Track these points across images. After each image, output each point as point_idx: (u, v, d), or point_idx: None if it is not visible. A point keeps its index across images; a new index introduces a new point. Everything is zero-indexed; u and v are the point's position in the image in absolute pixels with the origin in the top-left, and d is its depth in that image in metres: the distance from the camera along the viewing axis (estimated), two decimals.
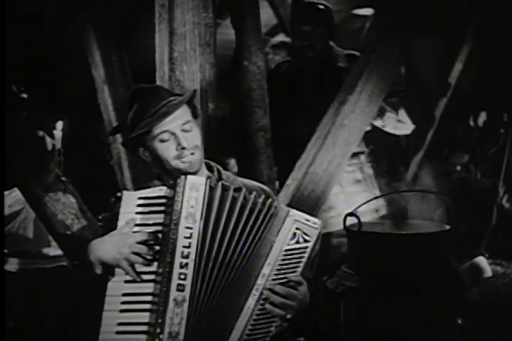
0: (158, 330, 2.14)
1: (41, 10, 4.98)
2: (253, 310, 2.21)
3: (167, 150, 2.40)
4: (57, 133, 5.46)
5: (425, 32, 4.37)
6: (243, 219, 2.25)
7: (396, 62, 3.90)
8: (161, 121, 2.36)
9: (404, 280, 3.11)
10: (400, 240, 3.18)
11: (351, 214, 3.21)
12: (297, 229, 2.25)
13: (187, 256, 2.18)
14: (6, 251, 4.26)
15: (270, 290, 2.22)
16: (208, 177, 2.48)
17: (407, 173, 6.05)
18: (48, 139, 5.65)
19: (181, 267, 2.17)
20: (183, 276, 2.17)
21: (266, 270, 2.22)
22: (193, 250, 2.19)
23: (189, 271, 2.18)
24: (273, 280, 2.23)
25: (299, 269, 2.26)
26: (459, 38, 6.32)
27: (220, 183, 2.30)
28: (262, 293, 2.22)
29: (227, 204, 2.25)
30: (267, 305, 2.22)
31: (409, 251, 3.13)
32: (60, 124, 5.49)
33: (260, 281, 2.22)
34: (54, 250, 4.15)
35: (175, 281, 2.17)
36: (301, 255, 2.25)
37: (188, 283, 2.17)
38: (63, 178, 3.10)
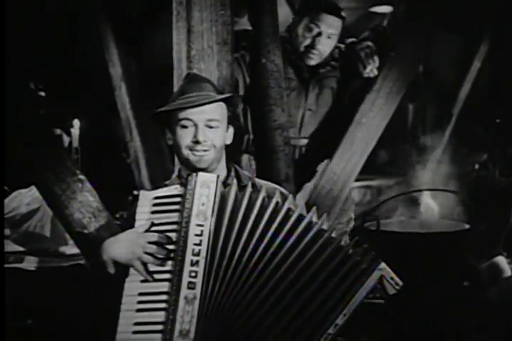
0: (169, 328, 2.13)
1: (60, 9, 4.99)
2: None
3: (183, 138, 2.42)
4: (75, 131, 5.47)
5: (444, 30, 4.34)
6: (264, 220, 2.22)
7: (415, 60, 3.87)
8: (185, 106, 2.38)
9: (423, 280, 3.09)
10: (419, 239, 3.16)
11: (369, 213, 3.19)
12: (380, 284, 2.19)
13: (198, 254, 2.17)
14: (23, 249, 4.27)
15: None
16: (228, 176, 2.49)
17: (424, 172, 6.02)
18: (65, 137, 5.67)
19: (192, 265, 2.16)
20: (193, 274, 2.16)
21: (340, 320, 2.15)
22: (203, 248, 2.18)
23: (200, 269, 2.16)
24: (339, 329, 2.16)
25: (366, 324, 2.24)
26: (477, 37, 6.28)
27: (234, 181, 2.30)
28: None
29: (244, 203, 2.24)
30: None
31: (428, 250, 3.11)
32: (77, 122, 5.51)
33: (331, 331, 2.15)
34: (71, 248, 4.15)
35: (185, 279, 2.15)
36: (372, 310, 2.23)
37: (198, 280, 2.16)
38: (80, 176, 3.08)
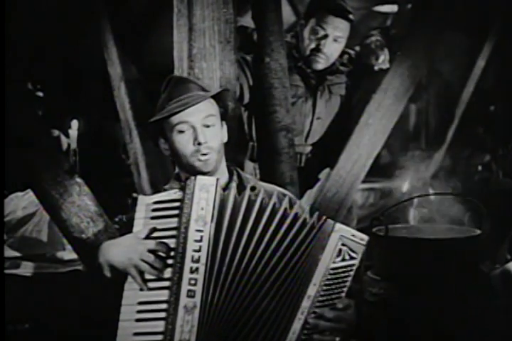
0: (168, 338, 2.08)
1: (58, 8, 4.94)
2: (299, 335, 2.11)
3: (184, 144, 2.36)
4: (73, 132, 5.39)
5: (447, 29, 4.28)
6: (262, 223, 2.16)
7: (422, 60, 3.80)
8: (179, 109, 2.33)
9: (433, 287, 3.02)
10: (429, 245, 3.10)
11: (377, 218, 3.12)
12: (343, 245, 2.12)
13: (197, 261, 2.12)
14: (19, 254, 4.21)
15: (318, 314, 2.12)
16: (230, 180, 2.45)
17: (426, 173, 5.98)
18: (64, 138, 5.60)
19: (191, 272, 2.11)
20: (193, 282, 2.10)
21: (311, 291, 2.11)
22: (203, 254, 2.12)
23: (200, 276, 2.11)
24: (318, 301, 2.12)
25: (345, 289, 2.14)
26: (480, 36, 6.24)
27: (234, 184, 2.25)
28: (307, 317, 2.11)
29: (243, 206, 2.18)
30: (316, 336, 2.13)
31: (438, 256, 3.05)
32: (75, 123, 5.43)
33: (306, 303, 2.10)
34: (69, 254, 4.13)
35: (185, 287, 2.10)
36: (347, 273, 2.13)
37: (198, 288, 2.10)
38: (78, 179, 3.03)
